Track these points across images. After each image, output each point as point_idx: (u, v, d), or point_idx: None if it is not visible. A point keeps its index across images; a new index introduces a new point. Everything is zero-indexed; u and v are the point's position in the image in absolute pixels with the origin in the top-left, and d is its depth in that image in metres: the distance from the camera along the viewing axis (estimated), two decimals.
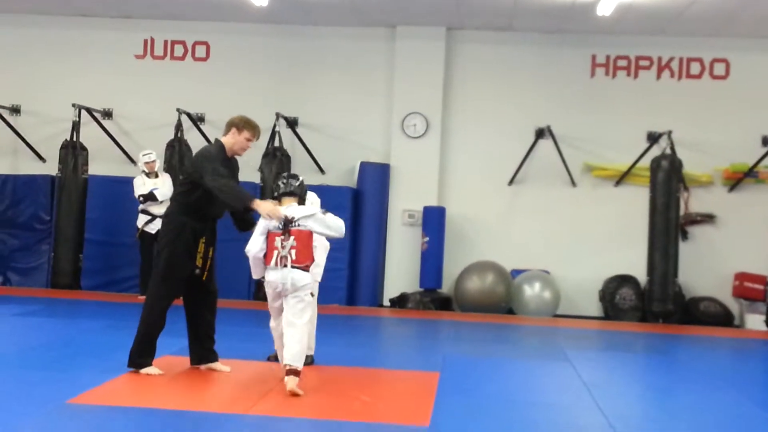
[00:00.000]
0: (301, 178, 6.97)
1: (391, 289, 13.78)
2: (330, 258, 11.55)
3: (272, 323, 7.02)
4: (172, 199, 7.51)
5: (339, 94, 14.17)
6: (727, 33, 13.46)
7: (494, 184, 13.97)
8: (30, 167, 14.24)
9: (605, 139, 13.86)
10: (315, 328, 7.61)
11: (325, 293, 12.52)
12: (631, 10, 12.45)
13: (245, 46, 14.35)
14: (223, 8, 13.48)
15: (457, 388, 7.15)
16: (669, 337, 11.80)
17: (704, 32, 13.50)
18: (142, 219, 12.37)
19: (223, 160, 7.10)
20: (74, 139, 13.49)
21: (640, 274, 13.26)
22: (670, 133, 13.16)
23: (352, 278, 13.39)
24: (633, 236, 13.47)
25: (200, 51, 14.43)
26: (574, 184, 13.84)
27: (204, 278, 7.20)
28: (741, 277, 13.35)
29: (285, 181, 6.89)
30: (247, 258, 6.87)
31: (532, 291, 13.18)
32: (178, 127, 13.50)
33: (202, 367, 7.30)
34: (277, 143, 13.43)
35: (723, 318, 13.24)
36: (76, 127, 13.49)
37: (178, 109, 13.56)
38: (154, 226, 11.85)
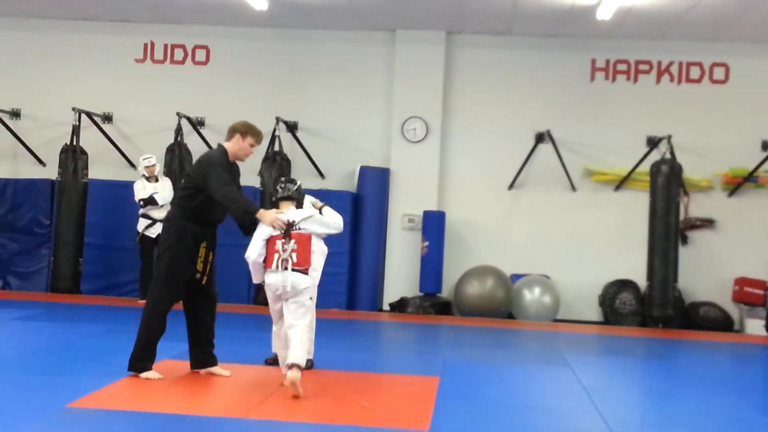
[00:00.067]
0: (298, 183, 7.09)
1: (391, 294, 13.78)
2: (330, 262, 11.53)
3: (275, 328, 7.06)
4: (173, 203, 7.53)
5: (339, 98, 14.19)
6: (726, 38, 13.48)
7: (494, 188, 13.98)
8: (30, 171, 14.25)
9: (605, 144, 13.87)
10: (314, 332, 7.62)
11: (325, 297, 12.55)
12: (630, 14, 12.46)
13: (245, 50, 14.37)
14: (223, 12, 13.49)
15: (457, 393, 7.15)
16: (669, 341, 11.79)
17: (704, 37, 13.52)
18: (142, 223, 12.37)
19: (226, 165, 7.13)
20: (74, 143, 13.49)
21: (640, 278, 13.26)
22: (669, 137, 13.17)
23: (351, 282, 13.39)
24: (633, 241, 13.47)
25: (200, 55, 14.45)
26: (573, 188, 13.85)
27: (204, 282, 7.20)
28: (741, 282, 13.35)
29: (283, 185, 7.02)
30: (246, 262, 6.91)
31: (531, 295, 13.18)
32: (178, 131, 13.51)
33: (202, 371, 7.30)
34: (276, 147, 13.43)
35: (723, 323, 13.24)
36: (76, 131, 13.50)
37: (178, 113, 13.57)
38: (155, 231, 11.85)
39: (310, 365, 7.56)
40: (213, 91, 14.27)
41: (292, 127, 13.93)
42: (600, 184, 13.93)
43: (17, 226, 13.72)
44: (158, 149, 13.28)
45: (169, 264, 7.05)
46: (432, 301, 13.35)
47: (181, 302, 7.26)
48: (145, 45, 14.47)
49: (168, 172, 13.11)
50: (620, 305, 13.31)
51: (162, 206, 12.13)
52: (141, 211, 12.38)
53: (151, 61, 14.50)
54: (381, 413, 6.32)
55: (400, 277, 13.83)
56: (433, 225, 13.52)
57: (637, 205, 13.52)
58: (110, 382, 6.75)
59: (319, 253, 7.10)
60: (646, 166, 13.37)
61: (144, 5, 13.47)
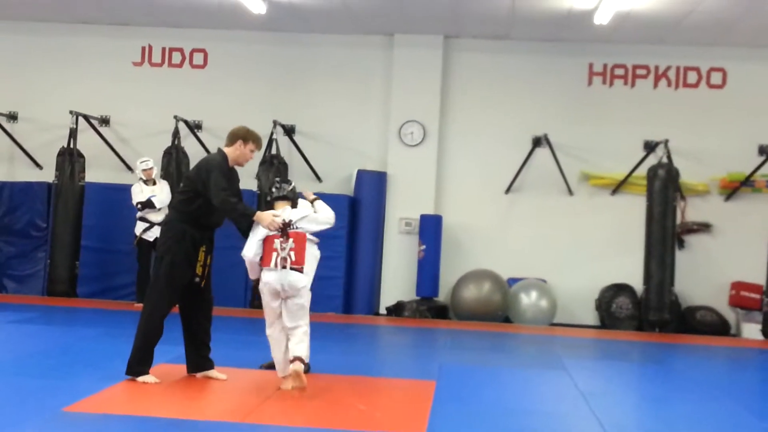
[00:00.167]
0: (293, 183, 7.26)
1: (388, 298, 13.78)
2: (327, 266, 11.54)
3: (269, 331, 7.06)
4: (171, 207, 7.55)
5: (336, 102, 14.19)
6: (724, 42, 13.49)
7: (491, 192, 13.98)
8: (27, 174, 14.24)
9: (602, 148, 13.88)
10: (309, 336, 7.62)
11: (322, 301, 12.60)
12: (628, 19, 12.48)
13: (243, 53, 14.37)
14: (221, 16, 13.50)
15: (454, 397, 7.15)
16: (665, 346, 11.80)
17: (701, 41, 13.54)
18: (140, 226, 12.37)
19: (225, 171, 7.16)
20: (71, 146, 13.48)
21: (637, 282, 13.28)
22: (666, 142, 13.19)
23: (348, 286, 13.39)
24: (629, 245, 13.48)
25: (198, 58, 14.45)
26: (570, 192, 13.86)
27: (202, 286, 7.21)
28: (737, 286, 13.35)
29: (278, 185, 7.19)
30: (242, 266, 6.99)
31: (528, 299, 13.19)
32: (176, 134, 13.51)
33: (199, 375, 7.30)
34: (274, 151, 13.43)
35: (719, 327, 13.25)
36: (73, 134, 13.49)
37: (175, 117, 13.56)
38: (152, 234, 11.86)
39: (306, 369, 7.56)
40: (210, 95, 14.27)
41: (289, 131, 13.94)
42: (597, 188, 13.94)
43: (14, 228, 13.71)
44: (155, 152, 13.27)
45: (168, 268, 7.05)
46: (429, 305, 13.34)
47: (176, 306, 7.26)
48: (143, 48, 14.47)
49: (165, 175, 13.10)
50: (617, 309, 13.31)
51: (160, 209, 12.13)
52: (139, 214, 12.38)
53: (148, 64, 14.50)
54: (377, 417, 6.32)
55: (397, 281, 13.82)
56: (430, 229, 13.52)
57: (634, 209, 13.53)
58: (107, 386, 6.74)
59: (311, 257, 7.17)
60: (643, 171, 13.39)
61: (142, 9, 13.47)
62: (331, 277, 12.98)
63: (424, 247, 13.48)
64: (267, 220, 6.91)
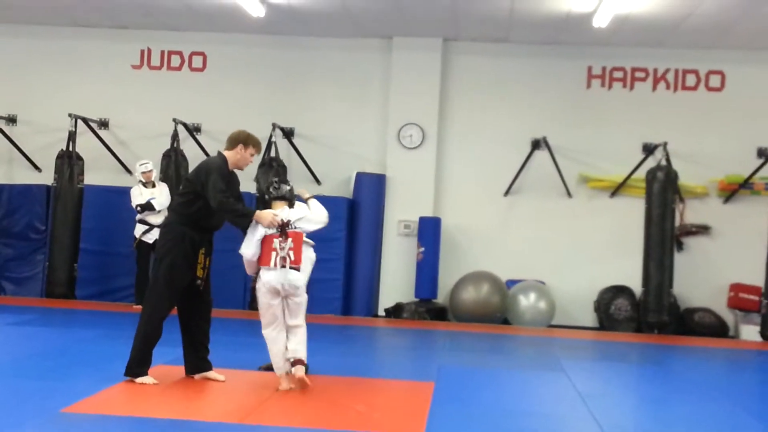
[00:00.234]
0: (291, 184, 7.33)
1: (387, 299, 13.78)
2: (325, 268, 11.57)
3: (265, 330, 7.07)
4: (170, 209, 7.57)
5: (335, 105, 14.20)
6: (722, 45, 13.51)
7: (490, 194, 13.99)
8: (25, 177, 14.24)
9: (601, 151, 13.89)
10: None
11: (321, 303, 12.60)
12: (627, 22, 12.49)
13: (242, 56, 14.38)
14: (220, 19, 13.51)
15: (452, 398, 7.15)
16: (664, 347, 11.80)
17: (700, 44, 13.56)
18: (139, 229, 12.37)
19: (225, 174, 7.18)
20: (70, 148, 13.48)
21: (636, 284, 13.28)
22: (665, 144, 13.20)
23: (347, 288, 13.39)
24: (628, 247, 13.50)
25: (197, 61, 14.46)
26: (569, 195, 13.87)
27: (202, 288, 7.22)
28: (736, 288, 13.36)
29: (276, 186, 7.24)
30: (241, 268, 7.04)
31: (527, 301, 13.19)
32: (175, 137, 13.51)
33: (197, 376, 7.30)
34: (273, 153, 13.44)
35: (718, 329, 13.25)
36: (72, 136, 13.49)
37: (174, 119, 13.57)
38: (152, 236, 11.86)
39: (306, 369, 7.58)
40: (209, 98, 14.28)
41: (288, 134, 13.94)
42: (596, 191, 13.95)
43: (12, 231, 13.71)
44: (154, 155, 13.28)
45: (167, 269, 7.06)
46: (427, 307, 13.35)
47: (175, 308, 7.27)
48: (142, 51, 14.48)
49: (164, 177, 13.10)
50: (615, 311, 13.32)
51: (159, 212, 12.13)
52: (138, 216, 12.38)
53: (147, 67, 14.50)
54: (376, 418, 6.33)
55: (396, 283, 13.83)
56: (429, 231, 13.53)
57: (632, 211, 13.54)
58: (105, 387, 6.75)
59: (307, 260, 7.25)
60: (641, 173, 13.40)
61: (141, 12, 13.47)
62: (330, 279, 12.99)
63: (422, 249, 13.48)
64: (267, 219, 6.97)
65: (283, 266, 6.92)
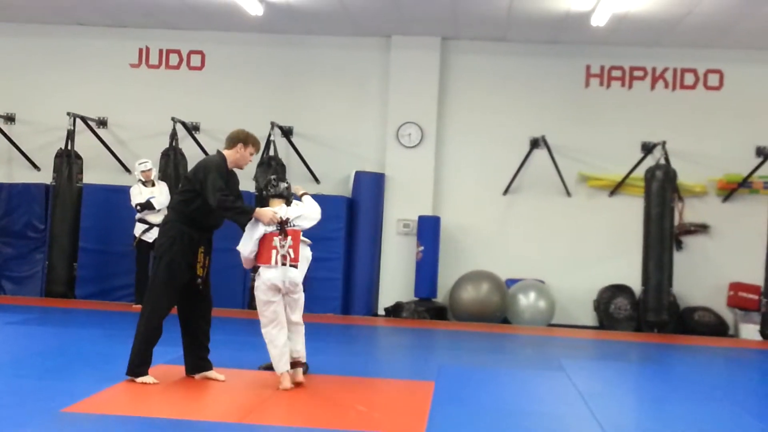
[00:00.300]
0: (288, 182, 7.38)
1: (386, 299, 13.78)
2: (325, 267, 11.55)
3: (266, 329, 7.07)
4: (170, 207, 7.56)
5: (334, 104, 14.20)
6: (721, 44, 13.51)
7: (489, 193, 13.99)
8: (24, 176, 14.23)
9: (600, 150, 13.89)
10: None
11: (320, 302, 12.61)
12: (625, 20, 12.49)
13: (240, 55, 14.37)
14: (219, 17, 13.50)
15: (452, 398, 7.15)
16: (663, 346, 11.81)
17: (698, 43, 13.56)
18: (139, 228, 12.36)
19: (223, 172, 7.18)
20: (69, 147, 13.48)
21: (635, 283, 13.29)
22: (664, 143, 13.20)
23: (346, 287, 13.39)
24: (627, 246, 13.50)
25: (195, 60, 14.45)
26: (568, 194, 13.87)
27: (201, 287, 7.22)
28: (735, 287, 13.37)
29: (275, 184, 7.29)
30: (240, 267, 7.07)
31: (527, 300, 13.19)
32: (173, 135, 13.51)
33: (197, 376, 7.30)
34: (272, 152, 13.44)
35: (717, 328, 13.26)
36: (70, 135, 13.48)
37: (173, 118, 13.57)
38: (152, 235, 11.83)
39: (305, 369, 7.59)
40: (208, 96, 14.28)
41: (287, 132, 13.94)
42: (595, 190, 13.95)
43: (11, 230, 13.70)
44: (153, 154, 13.28)
45: (166, 268, 7.06)
46: (427, 306, 13.34)
47: (175, 307, 7.26)
48: (140, 50, 14.46)
49: (163, 176, 13.09)
50: (615, 310, 13.32)
51: (159, 211, 12.13)
52: (138, 215, 12.37)
53: (146, 66, 14.49)
54: (376, 418, 6.33)
55: (395, 282, 13.83)
56: (428, 230, 13.52)
57: (631, 210, 13.55)
58: (105, 387, 6.75)
59: (303, 259, 7.27)
60: (640, 172, 13.40)
61: (139, 10, 13.46)
62: (330, 279, 12.99)
63: (422, 248, 13.48)
64: (268, 216, 7.01)
65: (284, 264, 6.98)
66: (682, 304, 13.44)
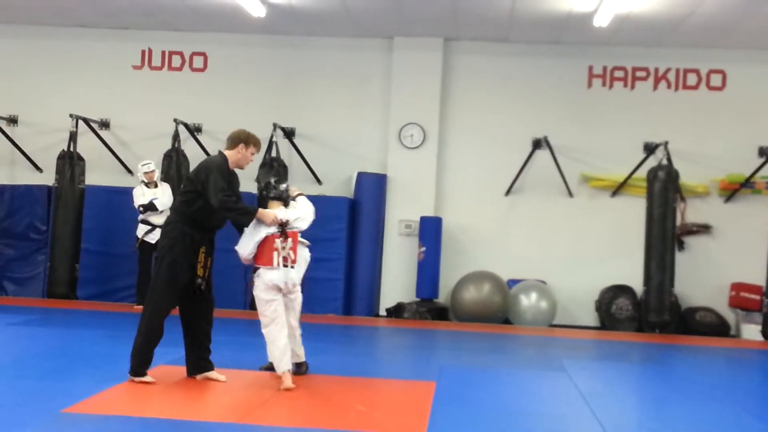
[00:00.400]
0: (287, 183, 7.47)
1: (388, 299, 13.78)
2: (326, 268, 11.55)
3: (267, 330, 7.09)
4: (172, 208, 7.59)
5: (336, 105, 14.21)
6: (723, 45, 13.50)
7: (491, 194, 13.99)
8: (27, 177, 14.25)
9: (602, 150, 13.89)
10: None
11: (322, 303, 12.62)
12: (628, 21, 12.49)
13: (243, 56, 14.38)
14: (221, 19, 13.51)
15: (453, 398, 7.15)
16: (665, 347, 11.80)
17: (701, 44, 13.55)
18: (142, 229, 12.37)
19: (225, 173, 7.19)
20: (71, 149, 13.49)
21: (637, 284, 13.28)
22: (666, 143, 13.19)
23: (348, 288, 13.38)
24: (629, 246, 13.49)
25: (198, 62, 14.46)
26: (570, 194, 13.86)
27: (203, 288, 7.23)
28: (737, 287, 13.36)
29: (274, 186, 7.37)
30: (241, 268, 7.10)
31: (528, 301, 13.18)
32: (176, 137, 13.52)
33: (198, 376, 7.30)
34: (274, 153, 13.44)
35: (719, 328, 13.24)
36: (73, 137, 13.49)
37: (175, 120, 13.58)
38: (154, 236, 11.84)
39: (305, 368, 7.63)
40: (210, 98, 14.29)
41: (289, 134, 13.94)
42: (597, 190, 13.94)
43: (14, 231, 13.71)
44: (155, 155, 13.29)
45: (167, 268, 7.07)
46: (429, 307, 13.34)
47: (176, 307, 7.27)
48: (143, 52, 14.48)
49: (166, 178, 13.10)
50: (617, 310, 13.31)
51: (162, 212, 12.13)
52: (140, 217, 12.38)
53: (148, 67, 14.51)
54: (377, 418, 6.33)
55: (397, 283, 13.82)
56: (430, 231, 13.52)
57: (633, 210, 13.53)
58: (106, 388, 6.76)
59: (301, 260, 7.31)
60: (642, 172, 13.39)
61: (142, 12, 13.47)
62: (331, 279, 12.99)
63: (424, 248, 13.48)
64: (270, 217, 7.07)
65: (285, 265, 7.06)
66: (683, 304, 13.43)
